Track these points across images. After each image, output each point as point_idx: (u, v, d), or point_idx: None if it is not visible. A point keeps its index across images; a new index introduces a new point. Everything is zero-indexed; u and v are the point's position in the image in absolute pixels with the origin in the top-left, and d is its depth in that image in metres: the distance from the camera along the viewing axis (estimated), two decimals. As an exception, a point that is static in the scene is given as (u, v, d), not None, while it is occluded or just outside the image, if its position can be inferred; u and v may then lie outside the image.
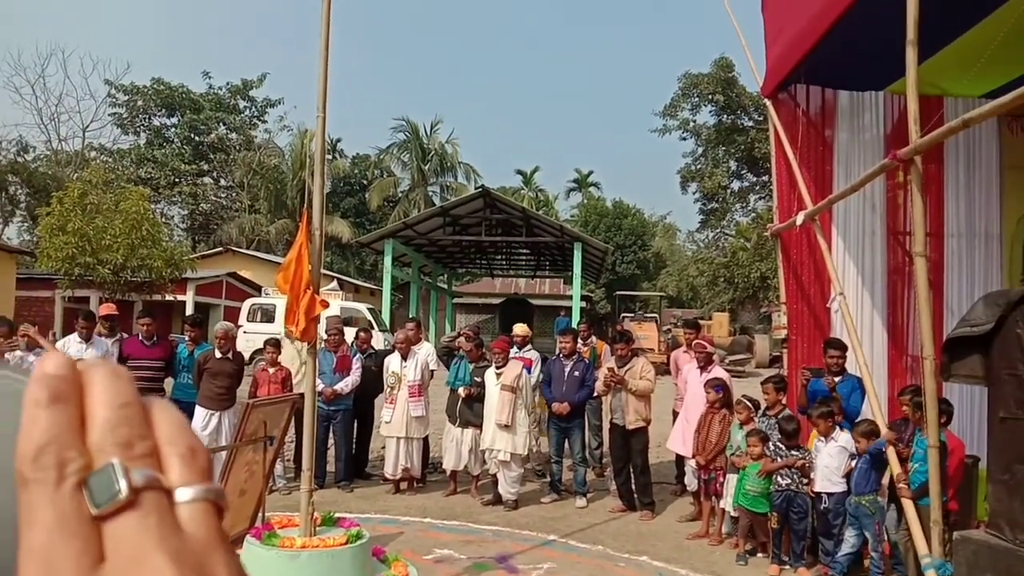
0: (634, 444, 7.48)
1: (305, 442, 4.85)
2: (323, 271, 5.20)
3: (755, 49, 7.96)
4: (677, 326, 22.06)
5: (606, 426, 8.04)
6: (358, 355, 8.51)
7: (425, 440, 8.31)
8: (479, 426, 7.71)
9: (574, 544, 6.51)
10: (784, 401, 6.61)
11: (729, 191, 36.39)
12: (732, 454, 6.50)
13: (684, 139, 36.27)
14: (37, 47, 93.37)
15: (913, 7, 4.46)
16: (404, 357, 8.15)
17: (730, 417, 6.73)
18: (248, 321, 19.83)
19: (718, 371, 7.39)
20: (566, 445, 7.95)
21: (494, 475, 7.70)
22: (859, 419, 5.96)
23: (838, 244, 7.21)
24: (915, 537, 4.72)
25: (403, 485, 8.07)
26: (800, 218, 6.60)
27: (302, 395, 4.99)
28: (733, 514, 6.52)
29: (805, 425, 6.35)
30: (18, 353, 6.98)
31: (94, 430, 0.40)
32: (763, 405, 6.68)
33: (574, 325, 13.60)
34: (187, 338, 8.15)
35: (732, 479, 6.45)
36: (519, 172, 50.74)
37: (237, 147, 42.70)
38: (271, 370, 7.99)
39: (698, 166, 36.52)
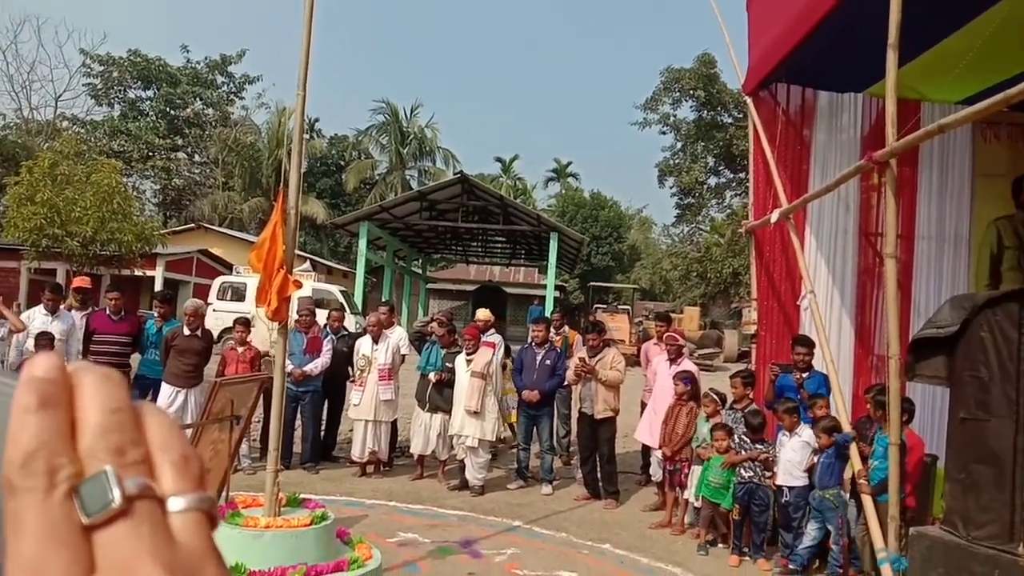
0: (602, 433, 7.53)
1: (272, 422, 4.81)
2: (296, 251, 5.14)
3: (738, 46, 8.01)
4: (649, 318, 22.24)
5: (575, 415, 8.08)
6: (330, 336, 8.47)
7: (393, 424, 8.30)
8: (448, 411, 7.72)
9: (538, 531, 6.55)
10: (751, 395, 6.69)
11: (706, 187, 36.57)
12: (698, 446, 6.57)
13: (664, 133, 36.43)
14: (10, 13, 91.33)
15: (896, 10, 4.50)
16: (376, 340, 8.13)
17: (697, 410, 6.80)
18: (218, 299, 19.61)
19: (687, 364, 7.46)
20: (534, 432, 7.99)
21: (461, 460, 7.71)
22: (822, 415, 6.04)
23: (811, 243, 7.29)
24: (872, 532, 4.81)
25: (370, 468, 8.06)
26: (775, 216, 6.66)
27: (271, 376, 4.94)
28: (696, 505, 6.60)
29: (771, 419, 6.44)
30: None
31: (85, 436, 0.38)
32: (730, 399, 6.76)
33: (547, 314, 13.66)
34: (156, 314, 8.06)
35: (697, 470, 6.53)
36: (498, 160, 50.80)
37: (213, 123, 41.98)
38: (240, 349, 7.92)
39: (676, 161, 36.66)
